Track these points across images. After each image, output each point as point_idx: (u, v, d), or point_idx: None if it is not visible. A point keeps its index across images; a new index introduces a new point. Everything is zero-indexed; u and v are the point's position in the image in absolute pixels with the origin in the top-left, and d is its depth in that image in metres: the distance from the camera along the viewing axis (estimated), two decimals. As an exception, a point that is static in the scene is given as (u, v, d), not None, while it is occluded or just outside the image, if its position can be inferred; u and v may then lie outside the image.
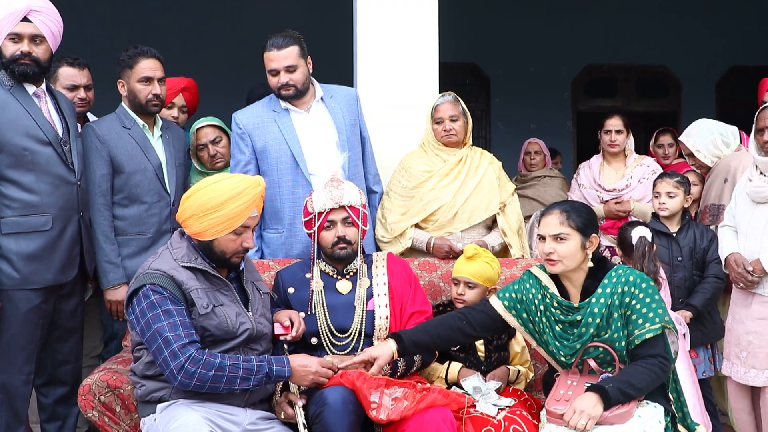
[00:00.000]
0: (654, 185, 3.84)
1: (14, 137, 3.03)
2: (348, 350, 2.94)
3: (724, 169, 3.83)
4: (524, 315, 2.80)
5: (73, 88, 3.65)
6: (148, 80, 3.41)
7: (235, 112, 3.62)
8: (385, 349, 2.74)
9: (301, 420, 2.58)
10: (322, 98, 3.60)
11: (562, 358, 2.72)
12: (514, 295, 2.82)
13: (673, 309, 3.58)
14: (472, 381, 2.91)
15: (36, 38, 3.08)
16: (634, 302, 2.62)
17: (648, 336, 2.58)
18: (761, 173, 3.35)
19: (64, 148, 3.15)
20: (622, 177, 4.43)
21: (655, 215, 3.82)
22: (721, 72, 8.50)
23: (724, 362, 3.48)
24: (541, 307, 2.76)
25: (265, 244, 3.59)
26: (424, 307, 3.06)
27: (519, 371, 3.11)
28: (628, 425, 2.51)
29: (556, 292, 2.74)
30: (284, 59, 3.42)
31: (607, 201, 4.36)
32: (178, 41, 6.99)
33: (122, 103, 3.48)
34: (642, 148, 6.03)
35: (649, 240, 3.44)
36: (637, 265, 3.31)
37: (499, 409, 2.78)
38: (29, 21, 3.06)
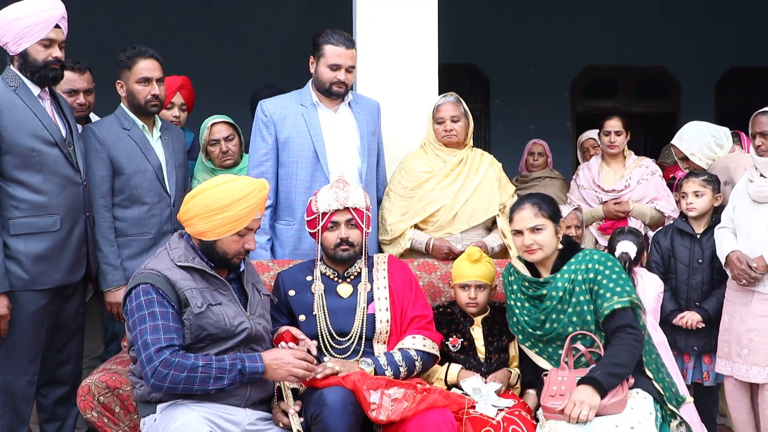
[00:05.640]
0: (680, 186, 3.72)
1: (22, 138, 3.03)
2: (348, 354, 2.93)
3: (722, 172, 3.81)
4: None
5: (72, 93, 3.65)
6: (146, 81, 3.40)
7: (261, 100, 3.64)
8: None
9: (296, 427, 2.57)
10: (349, 103, 3.63)
11: (529, 330, 2.90)
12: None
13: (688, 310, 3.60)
14: (472, 382, 2.91)
15: (62, 43, 3.12)
16: (600, 278, 2.80)
17: (617, 307, 2.74)
18: (761, 174, 3.38)
19: (68, 148, 3.15)
20: (621, 178, 4.43)
21: (682, 214, 3.73)
22: (721, 73, 8.48)
23: (720, 361, 3.47)
24: (514, 287, 2.98)
25: (275, 235, 3.60)
26: (425, 311, 3.05)
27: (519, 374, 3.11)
28: (622, 416, 2.57)
29: (527, 273, 2.96)
30: (350, 59, 3.51)
31: (606, 202, 4.36)
32: (177, 42, 6.98)
33: (121, 104, 3.48)
34: (642, 150, 6.03)
35: (632, 256, 3.51)
36: None
37: (498, 410, 2.78)
38: (59, 27, 3.10)
